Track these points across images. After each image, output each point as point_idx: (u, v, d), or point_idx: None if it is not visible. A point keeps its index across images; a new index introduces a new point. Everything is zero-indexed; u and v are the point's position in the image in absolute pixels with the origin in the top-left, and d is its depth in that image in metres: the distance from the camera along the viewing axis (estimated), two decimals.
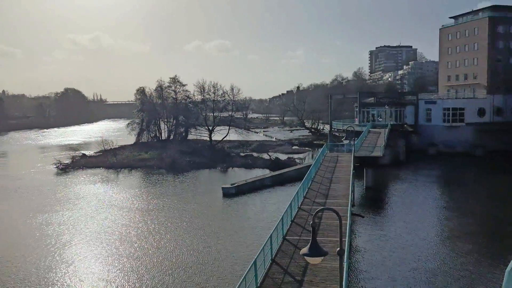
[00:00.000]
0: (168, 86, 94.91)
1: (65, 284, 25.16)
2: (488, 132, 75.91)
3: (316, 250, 9.15)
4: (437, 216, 39.10)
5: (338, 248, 9.85)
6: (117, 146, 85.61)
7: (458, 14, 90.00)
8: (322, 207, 10.42)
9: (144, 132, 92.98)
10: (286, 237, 22.87)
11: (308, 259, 9.20)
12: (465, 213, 39.10)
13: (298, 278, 18.01)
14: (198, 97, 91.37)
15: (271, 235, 20.15)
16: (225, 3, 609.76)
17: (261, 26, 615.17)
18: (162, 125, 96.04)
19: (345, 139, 45.77)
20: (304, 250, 9.29)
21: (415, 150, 75.98)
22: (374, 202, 44.09)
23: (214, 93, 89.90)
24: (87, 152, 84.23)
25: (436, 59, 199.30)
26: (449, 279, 24.39)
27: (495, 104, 77.71)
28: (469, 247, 29.52)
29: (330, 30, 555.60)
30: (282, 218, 22.97)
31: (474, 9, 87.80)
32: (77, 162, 72.86)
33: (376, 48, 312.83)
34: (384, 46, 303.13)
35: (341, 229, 10.06)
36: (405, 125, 79.64)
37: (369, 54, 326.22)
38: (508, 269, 11.49)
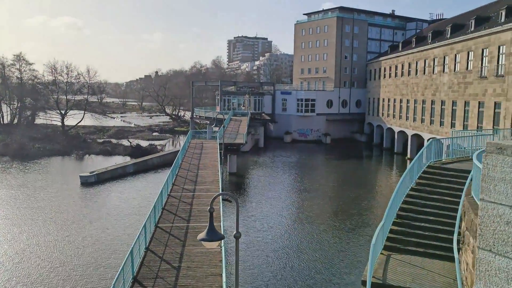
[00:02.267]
0: (12, 64, 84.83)
1: None
2: (335, 121, 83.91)
3: (214, 234, 9.17)
4: (296, 197, 42.09)
5: (235, 232, 9.97)
6: None
7: (311, 12, 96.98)
8: (219, 193, 10.43)
9: None
10: (159, 225, 22.46)
11: (206, 243, 9.19)
12: (320, 194, 42.79)
13: (174, 265, 17.86)
14: (49, 78, 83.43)
15: (145, 223, 19.62)
16: None
17: (114, 5, 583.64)
18: (4, 108, 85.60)
19: (215, 126, 46.32)
20: (202, 235, 9.26)
21: (273, 138, 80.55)
22: (239, 187, 45.60)
23: (68, 74, 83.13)
24: None
25: (290, 52, 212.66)
26: (316, 254, 26.50)
27: (341, 97, 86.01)
28: (329, 224, 32.47)
29: (188, 16, 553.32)
30: (154, 206, 22.47)
31: (324, 8, 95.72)
32: None
33: (234, 38, 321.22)
34: (242, 36, 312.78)
35: (237, 213, 10.21)
36: (263, 114, 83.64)
37: (227, 44, 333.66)
38: (372, 242, 12.95)
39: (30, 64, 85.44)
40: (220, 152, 40.62)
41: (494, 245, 3.46)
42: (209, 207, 9.45)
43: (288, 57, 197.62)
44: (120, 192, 42.04)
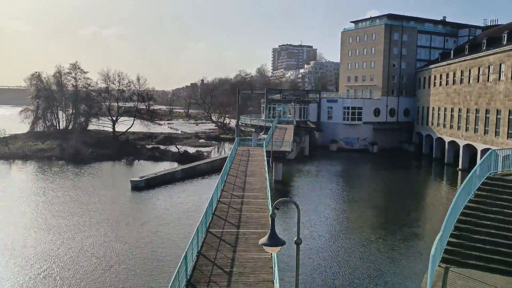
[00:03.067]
0: (68, 73, 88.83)
1: None
2: (383, 130, 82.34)
3: (275, 240, 9.28)
4: (343, 206, 41.59)
5: (296, 238, 10.03)
6: (7, 135, 78.35)
7: (358, 20, 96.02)
8: (282, 199, 10.51)
9: (40, 121, 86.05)
10: (210, 230, 22.81)
11: (267, 248, 9.30)
12: (368, 204, 42.09)
13: (226, 270, 18.08)
14: (102, 86, 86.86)
15: (197, 228, 20.00)
16: None
17: (161, 16, 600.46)
18: (60, 114, 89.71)
19: (264, 133, 46.58)
20: (263, 240, 9.37)
21: (318, 146, 79.96)
22: (284, 194, 45.54)
23: (119, 82, 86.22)
24: None
25: (334, 60, 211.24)
26: (368, 264, 26.09)
27: (389, 105, 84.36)
28: (379, 234, 31.87)
29: (233, 25, 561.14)
30: (206, 211, 22.86)
31: (371, 16, 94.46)
32: None
33: (279, 46, 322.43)
34: (287, 44, 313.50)
35: (299, 220, 10.28)
36: (309, 122, 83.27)
37: (272, 52, 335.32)
38: (431, 253, 12.63)
39: (85, 72, 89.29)
40: (268, 160, 40.81)
41: None
42: (270, 213, 9.55)
43: (334, 65, 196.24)
44: (169, 197, 43.03)
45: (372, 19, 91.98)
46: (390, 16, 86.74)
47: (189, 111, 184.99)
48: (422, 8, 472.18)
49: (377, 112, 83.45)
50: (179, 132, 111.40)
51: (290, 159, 62.23)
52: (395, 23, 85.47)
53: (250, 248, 20.52)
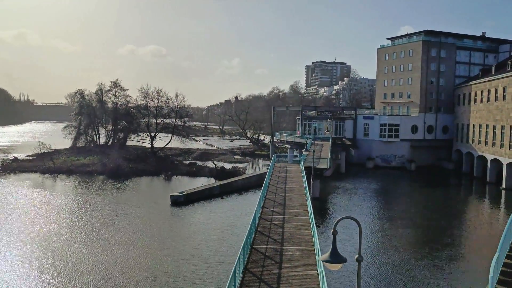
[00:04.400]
0: (109, 90, 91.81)
1: None
2: (420, 148, 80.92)
3: (337, 256, 9.43)
4: (383, 224, 40.99)
5: (357, 255, 10.14)
6: (52, 150, 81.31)
7: (395, 36, 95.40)
8: (343, 217, 10.67)
9: (82, 136, 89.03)
10: (254, 246, 23.03)
11: (329, 265, 9.46)
12: (408, 223, 41.37)
13: (273, 286, 18.20)
14: (141, 102, 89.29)
15: (243, 244, 20.28)
16: (159, 9, 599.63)
17: (195, 34, 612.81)
18: (101, 130, 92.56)
19: (305, 150, 46.82)
20: (325, 256, 9.54)
21: (354, 163, 79.24)
22: (322, 212, 45.35)
23: (158, 99, 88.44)
24: (18, 155, 79.23)
25: (369, 76, 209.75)
26: (414, 284, 25.67)
27: (426, 122, 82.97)
28: (423, 254, 31.28)
29: (266, 42, 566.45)
30: (250, 228, 23.14)
31: (408, 32, 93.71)
32: (8, 166, 68.36)
33: (313, 63, 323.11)
34: (320, 61, 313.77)
35: (360, 236, 10.39)
36: (344, 139, 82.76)
37: (306, 69, 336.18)
38: (490, 274, 12.46)
39: (125, 90, 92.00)
40: (309, 176, 40.82)
41: None
42: (332, 230, 9.72)
43: (368, 82, 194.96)
44: (208, 212, 43.58)
45: (409, 35, 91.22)
46: (427, 32, 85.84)
47: (224, 127, 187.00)
48: (459, 24, 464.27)
49: (414, 129, 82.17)
50: (215, 148, 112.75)
51: (326, 176, 61.95)
52: (432, 39, 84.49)
53: (295, 265, 20.59)
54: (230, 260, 28.90)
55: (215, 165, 70.72)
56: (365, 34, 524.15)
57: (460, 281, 26.92)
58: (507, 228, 14.45)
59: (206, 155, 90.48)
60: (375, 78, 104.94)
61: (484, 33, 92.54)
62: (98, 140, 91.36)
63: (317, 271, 19.38)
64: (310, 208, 28.78)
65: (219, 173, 64.71)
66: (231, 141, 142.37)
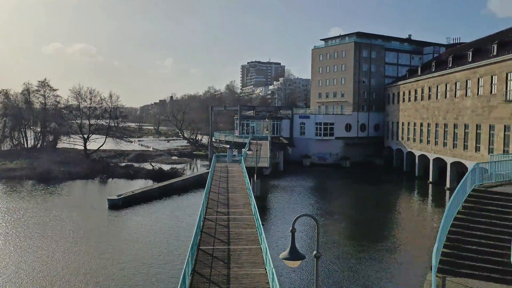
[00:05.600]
0: (36, 90, 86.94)
1: None
2: (354, 145, 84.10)
3: (296, 254, 9.56)
4: (321, 220, 42.08)
5: (315, 251, 10.32)
6: None
7: (328, 37, 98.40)
8: (300, 214, 10.80)
9: (7, 139, 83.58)
10: (200, 247, 22.80)
11: (288, 262, 9.56)
12: (344, 218, 42.85)
13: (223, 286, 18.14)
14: (73, 103, 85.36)
15: (192, 245, 20.03)
16: (86, 8, 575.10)
17: (126, 33, 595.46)
18: (28, 132, 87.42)
19: (248, 150, 46.94)
20: (284, 254, 9.62)
21: (291, 162, 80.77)
22: (264, 210, 45.76)
23: (91, 99, 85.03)
24: None
25: (303, 76, 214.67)
26: (356, 276, 26.57)
27: (359, 121, 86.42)
28: (361, 247, 32.48)
29: (199, 42, 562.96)
30: (196, 229, 22.91)
31: (334, 34, 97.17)
32: None
33: (248, 63, 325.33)
34: (255, 61, 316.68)
35: (318, 233, 10.58)
36: (282, 138, 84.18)
37: (241, 69, 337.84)
38: (432, 264, 13.16)
39: (54, 90, 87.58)
40: (252, 175, 41.06)
41: None
42: (291, 228, 9.82)
43: (303, 82, 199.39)
44: (149, 215, 42.56)
45: (341, 37, 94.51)
46: (358, 34, 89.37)
47: (160, 128, 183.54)
48: (386, 27, 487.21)
49: (348, 127, 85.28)
50: (151, 149, 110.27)
51: (265, 174, 62.66)
52: (363, 41, 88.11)
53: (244, 264, 20.65)
54: (175, 262, 28.44)
55: (153, 166, 69.24)
56: (297, 35, 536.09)
57: (398, 271, 28.30)
58: (444, 221, 15.39)
59: (142, 156, 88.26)
60: (309, 78, 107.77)
61: (409, 35, 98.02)
62: (25, 143, 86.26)
63: (266, 269, 19.57)
64: (255, 207, 28.97)
65: (157, 175, 63.42)
66: (168, 141, 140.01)
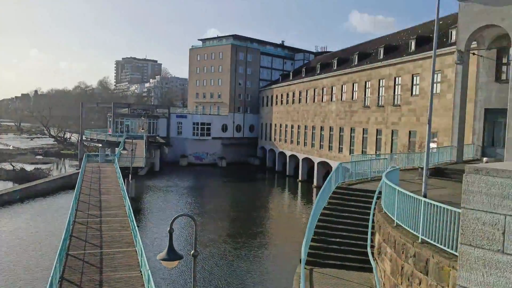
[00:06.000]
0: None
1: None
2: (230, 145, 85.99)
3: (173, 254, 9.52)
4: (199, 220, 42.35)
5: (193, 251, 10.37)
6: None
7: (206, 38, 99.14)
8: (178, 214, 10.74)
9: None
10: (69, 253, 21.43)
11: (165, 263, 9.49)
12: (220, 216, 43.63)
13: None
14: None
15: (59, 251, 18.74)
16: None
17: None
18: None
19: (123, 149, 45.09)
20: (162, 255, 9.52)
21: (168, 162, 79.79)
22: (139, 211, 44.49)
23: None
24: None
25: (180, 75, 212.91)
26: (227, 273, 27.09)
27: (235, 122, 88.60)
28: (236, 245, 33.31)
29: (69, 33, 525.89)
30: (65, 233, 21.50)
31: (218, 35, 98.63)
32: None
33: (123, 58, 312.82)
34: (131, 57, 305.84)
35: (196, 233, 10.64)
36: (158, 137, 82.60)
37: (115, 64, 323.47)
38: (302, 257, 14.12)
39: None
40: (126, 175, 39.63)
41: (473, 240, 4.70)
42: (169, 228, 9.77)
43: (180, 81, 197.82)
44: (9, 220, 38.59)
45: (219, 38, 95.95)
46: (235, 37, 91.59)
47: (21, 124, 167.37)
48: (261, 33, 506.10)
49: (225, 128, 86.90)
50: (11, 147, 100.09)
51: (141, 175, 60.98)
52: (240, 44, 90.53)
53: (117, 268, 19.92)
54: (41, 270, 26.27)
55: (13, 167, 62.95)
56: (175, 33, 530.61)
57: (272, 265, 29.66)
58: (312, 216, 16.62)
59: (0, 155, 79.67)
60: (186, 77, 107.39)
61: (283, 41, 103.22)
62: None
63: (141, 272, 19.13)
64: (129, 208, 28.08)
65: (19, 176, 57.87)
66: (31, 139, 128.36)
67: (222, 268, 28.58)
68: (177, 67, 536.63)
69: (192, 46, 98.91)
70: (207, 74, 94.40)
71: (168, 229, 9.72)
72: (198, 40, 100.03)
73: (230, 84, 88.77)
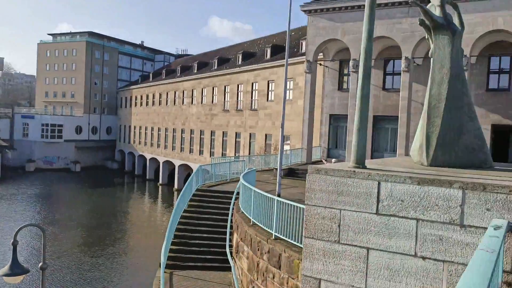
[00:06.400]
0: None
1: None
2: (85, 148, 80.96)
3: (18, 268, 8.71)
4: (51, 230, 39.05)
5: (41, 263, 9.59)
6: None
7: (57, 33, 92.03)
8: (23, 225, 9.80)
9: None
10: None
11: (8, 279, 8.64)
12: (76, 225, 40.88)
13: None
14: None
15: None
16: None
17: None
18: None
19: None
20: (4, 270, 8.63)
21: (12, 167, 72.03)
22: None
23: None
24: None
25: (27, 72, 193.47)
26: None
27: (91, 123, 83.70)
28: (92, 254, 31.45)
29: None
30: None
31: (69, 30, 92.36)
32: None
33: None
34: None
35: (44, 244, 9.84)
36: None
37: None
38: (161, 261, 14.06)
39: None
40: None
41: (315, 233, 5.26)
42: (12, 240, 8.91)
43: (26, 78, 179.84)
44: None
45: (72, 34, 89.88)
46: (91, 34, 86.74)
47: None
48: (119, 31, 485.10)
49: (79, 129, 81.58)
50: None
51: None
52: (96, 41, 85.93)
53: None
54: None
55: None
56: (22, 25, 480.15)
57: (131, 272, 28.75)
58: (171, 221, 16.64)
59: None
60: (35, 74, 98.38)
61: (142, 42, 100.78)
62: None
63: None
64: None
65: None
66: None
67: (75, 279, 26.84)
68: (26, 63, 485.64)
69: (41, 40, 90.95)
70: (58, 71, 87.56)
71: (12, 241, 8.88)
72: (48, 34, 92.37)
73: (85, 84, 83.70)
